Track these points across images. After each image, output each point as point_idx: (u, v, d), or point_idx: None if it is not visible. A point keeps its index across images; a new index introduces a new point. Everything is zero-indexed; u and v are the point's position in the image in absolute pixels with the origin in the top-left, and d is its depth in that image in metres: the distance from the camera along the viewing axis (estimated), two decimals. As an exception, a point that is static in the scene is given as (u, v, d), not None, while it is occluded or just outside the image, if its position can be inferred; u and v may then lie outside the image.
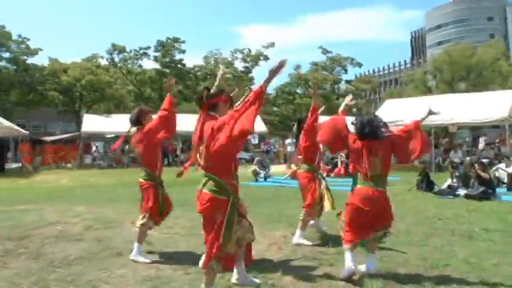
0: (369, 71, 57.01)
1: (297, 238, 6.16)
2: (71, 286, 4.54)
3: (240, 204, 4.05)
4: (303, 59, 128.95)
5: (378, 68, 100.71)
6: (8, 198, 11.79)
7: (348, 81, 50.48)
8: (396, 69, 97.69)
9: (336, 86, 48.67)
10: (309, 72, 47.30)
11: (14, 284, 4.66)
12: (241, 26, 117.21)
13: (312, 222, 6.56)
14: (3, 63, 35.68)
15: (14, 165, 25.01)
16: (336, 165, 18.37)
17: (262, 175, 16.22)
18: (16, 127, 22.46)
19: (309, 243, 6.08)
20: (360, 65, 48.75)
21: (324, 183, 6.23)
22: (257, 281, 4.40)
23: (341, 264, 4.72)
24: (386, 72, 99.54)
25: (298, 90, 47.26)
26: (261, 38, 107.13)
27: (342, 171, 17.00)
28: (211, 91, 4.37)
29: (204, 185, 3.85)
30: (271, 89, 48.97)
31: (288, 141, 26.27)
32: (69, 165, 26.11)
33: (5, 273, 5.02)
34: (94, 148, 30.65)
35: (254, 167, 16.75)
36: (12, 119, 27.70)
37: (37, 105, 37.44)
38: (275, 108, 46.37)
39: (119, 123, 25.93)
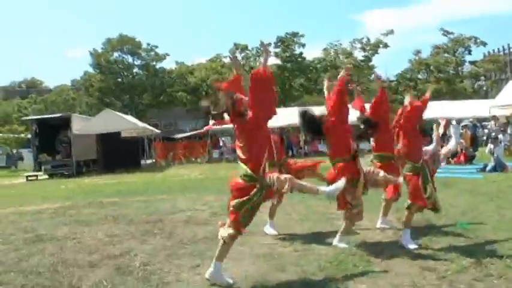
0: (498, 49, 52.05)
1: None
2: (198, 259, 5.30)
3: None
4: (425, 42, 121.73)
5: (508, 44, 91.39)
6: (144, 190, 13.27)
7: (472, 62, 47.40)
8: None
9: (459, 68, 46.02)
10: (430, 56, 45.27)
11: (152, 255, 5.59)
12: (362, 12, 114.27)
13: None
14: (136, 69, 39.36)
15: (149, 161, 27.54)
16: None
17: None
18: (149, 127, 24.73)
19: None
20: (484, 43, 45.63)
21: None
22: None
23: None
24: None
25: (420, 76, 45.51)
26: (382, 24, 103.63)
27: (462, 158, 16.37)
28: None
29: None
30: (392, 76, 47.76)
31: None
32: (198, 160, 28.05)
33: (145, 247, 6.00)
34: (221, 143, 32.45)
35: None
36: (146, 120, 30.52)
37: (167, 106, 40.80)
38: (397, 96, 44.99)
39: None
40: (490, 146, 14.48)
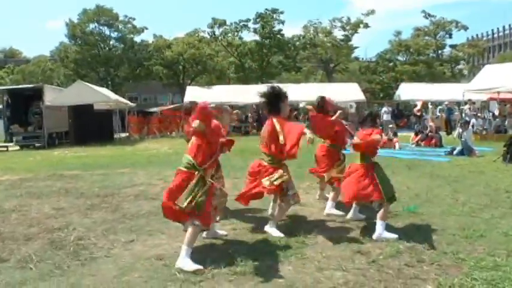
0: (481, 34, 52.07)
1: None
2: (134, 234, 5.22)
3: None
4: (408, 24, 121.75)
5: (492, 30, 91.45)
6: (110, 163, 13.07)
7: (452, 46, 47.47)
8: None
9: (439, 51, 46.06)
10: (411, 38, 45.23)
11: (90, 229, 5.52)
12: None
13: None
14: (112, 42, 38.70)
15: (123, 135, 27.21)
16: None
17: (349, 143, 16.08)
18: (122, 100, 24.34)
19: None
20: (465, 28, 45.50)
21: None
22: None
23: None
24: (501, 34, 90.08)
25: (399, 57, 45.55)
26: (371, 4, 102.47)
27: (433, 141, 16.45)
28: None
29: None
30: (372, 57, 47.70)
31: (384, 109, 25.66)
32: (173, 134, 27.78)
33: (85, 221, 5.94)
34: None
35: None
36: (122, 93, 30.06)
37: (144, 80, 40.36)
38: (376, 76, 45.18)
39: (219, 94, 27.25)
40: (459, 129, 14.54)
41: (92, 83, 29.20)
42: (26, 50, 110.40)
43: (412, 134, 17.90)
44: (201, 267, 3.97)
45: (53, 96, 23.63)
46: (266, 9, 42.01)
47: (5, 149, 22.26)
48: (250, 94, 29.95)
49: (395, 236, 4.83)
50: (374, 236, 4.81)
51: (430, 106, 29.69)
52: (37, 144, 23.27)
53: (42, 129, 23.05)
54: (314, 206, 6.54)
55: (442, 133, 18.79)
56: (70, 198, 7.53)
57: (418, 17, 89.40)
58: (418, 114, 27.07)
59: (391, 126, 18.13)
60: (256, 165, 5.10)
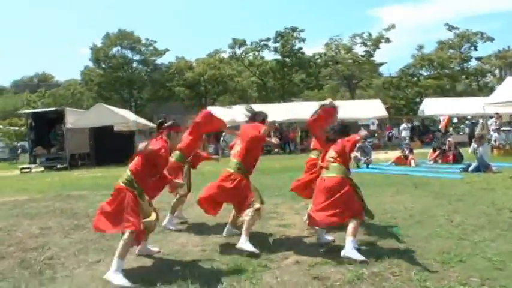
0: (508, 47, 50.70)
1: None
2: (103, 254, 5.22)
3: None
4: (433, 39, 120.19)
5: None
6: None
7: (478, 59, 46.16)
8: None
9: (464, 64, 44.96)
10: (434, 52, 44.52)
11: (64, 249, 5.48)
12: (381, 7, 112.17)
13: None
14: (135, 64, 39.52)
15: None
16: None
17: (363, 161, 15.83)
18: (142, 121, 24.73)
19: None
20: (491, 39, 44.06)
21: None
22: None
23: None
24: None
25: (423, 72, 44.78)
26: (400, 19, 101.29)
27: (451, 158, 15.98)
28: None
29: None
30: (394, 72, 47.02)
31: (403, 126, 25.25)
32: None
33: (63, 241, 5.91)
34: (222, 139, 32.02)
35: (356, 153, 16.36)
36: (144, 114, 30.52)
37: (166, 101, 40.84)
38: (399, 92, 44.46)
39: (240, 114, 27.18)
40: (474, 145, 13.97)
41: (115, 105, 29.77)
42: (58, 74, 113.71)
43: (430, 151, 17.46)
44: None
45: (75, 119, 24.19)
46: (286, 27, 42.19)
47: (29, 170, 22.85)
48: (272, 113, 30.26)
49: (361, 258, 4.57)
50: (341, 253, 4.63)
51: (455, 120, 29.08)
52: (59, 166, 23.81)
53: (64, 150, 23.58)
54: (297, 227, 6.35)
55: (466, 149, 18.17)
56: (60, 218, 7.59)
57: (442, 31, 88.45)
58: (443, 130, 26.43)
59: (406, 142, 17.75)
60: None
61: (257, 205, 5.08)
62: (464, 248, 5.01)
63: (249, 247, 4.92)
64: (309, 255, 4.85)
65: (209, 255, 5.02)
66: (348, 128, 5.34)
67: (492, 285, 3.86)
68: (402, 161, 16.09)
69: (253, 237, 5.59)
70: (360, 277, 4.11)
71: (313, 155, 6.35)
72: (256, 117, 5.74)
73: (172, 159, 5.90)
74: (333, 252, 4.93)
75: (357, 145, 16.94)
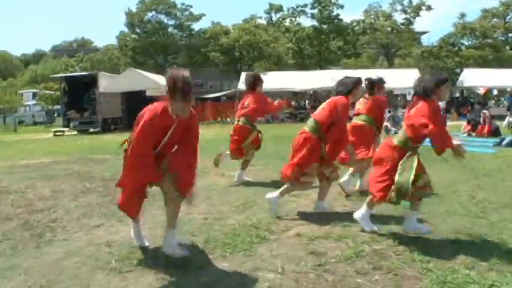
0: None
1: None
2: (105, 219, 5.17)
3: None
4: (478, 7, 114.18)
5: None
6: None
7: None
8: None
9: (509, 34, 42.76)
10: (477, 21, 42.53)
11: (68, 212, 5.48)
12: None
13: None
14: (170, 29, 39.42)
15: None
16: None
17: (393, 131, 15.35)
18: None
19: None
20: None
21: None
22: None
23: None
24: None
25: (464, 41, 43.01)
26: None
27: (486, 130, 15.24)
28: None
29: None
30: (433, 42, 45.18)
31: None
32: (228, 119, 27.76)
33: (70, 204, 5.90)
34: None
35: (386, 123, 15.89)
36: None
37: (202, 66, 40.76)
38: (439, 62, 42.82)
39: (275, 80, 26.96)
40: (509, 118, 13.22)
41: (150, 71, 29.84)
42: (97, 39, 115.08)
43: (464, 123, 16.76)
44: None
45: (107, 83, 24.42)
46: (324, -7, 41.04)
47: (62, 133, 23.38)
48: (308, 80, 29.78)
49: (373, 227, 4.38)
50: (354, 215, 4.46)
51: (495, 92, 27.84)
52: (92, 130, 24.23)
53: (96, 114, 23.94)
54: (309, 198, 6.08)
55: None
56: (75, 181, 7.62)
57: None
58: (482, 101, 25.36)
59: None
60: None
61: None
62: (480, 227, 4.64)
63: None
64: (312, 228, 4.62)
65: (210, 223, 4.87)
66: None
67: (500, 271, 3.50)
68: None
69: (260, 207, 5.45)
70: (358, 254, 3.85)
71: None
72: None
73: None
74: (343, 222, 4.74)
75: (388, 115, 16.61)
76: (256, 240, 4.24)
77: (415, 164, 4.09)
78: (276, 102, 7.50)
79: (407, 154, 4.17)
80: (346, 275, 3.48)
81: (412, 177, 4.03)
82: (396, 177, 4.09)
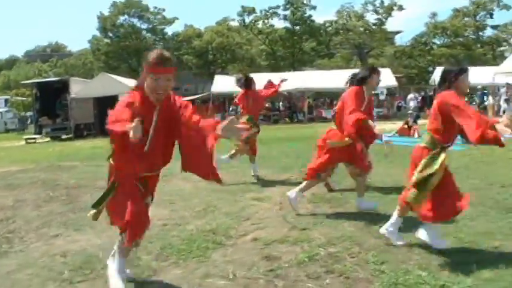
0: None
1: None
2: (63, 228, 5.11)
3: None
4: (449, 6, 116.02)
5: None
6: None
7: (494, 27, 44.78)
8: None
9: (479, 33, 43.76)
10: (448, 20, 43.27)
11: (28, 222, 5.39)
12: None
13: None
14: (143, 33, 39.28)
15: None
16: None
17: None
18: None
19: None
20: (508, 7, 42.38)
21: None
22: None
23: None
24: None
25: (436, 41, 43.66)
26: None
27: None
28: None
29: None
30: (406, 41, 45.84)
31: (410, 96, 24.68)
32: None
33: (31, 214, 5.81)
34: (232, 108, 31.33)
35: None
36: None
37: (175, 70, 40.54)
38: (411, 61, 43.45)
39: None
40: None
41: (123, 75, 29.57)
42: (71, 44, 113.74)
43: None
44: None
45: (79, 88, 24.12)
46: (295, -6, 41.29)
47: (34, 140, 22.93)
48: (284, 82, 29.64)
49: (399, 241, 4.14)
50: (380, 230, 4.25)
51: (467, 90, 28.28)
52: (64, 136, 23.87)
53: (69, 120, 23.61)
54: (271, 201, 6.12)
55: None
56: (39, 190, 7.52)
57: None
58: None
59: (410, 112, 17.34)
60: None
61: None
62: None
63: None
64: (269, 232, 4.64)
65: (169, 229, 4.86)
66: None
67: (454, 270, 3.52)
68: (406, 131, 15.72)
69: (221, 211, 5.46)
70: (311, 258, 3.86)
71: None
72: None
73: None
74: (301, 225, 4.79)
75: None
76: (211, 246, 4.25)
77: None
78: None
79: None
80: (297, 280, 3.48)
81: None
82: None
